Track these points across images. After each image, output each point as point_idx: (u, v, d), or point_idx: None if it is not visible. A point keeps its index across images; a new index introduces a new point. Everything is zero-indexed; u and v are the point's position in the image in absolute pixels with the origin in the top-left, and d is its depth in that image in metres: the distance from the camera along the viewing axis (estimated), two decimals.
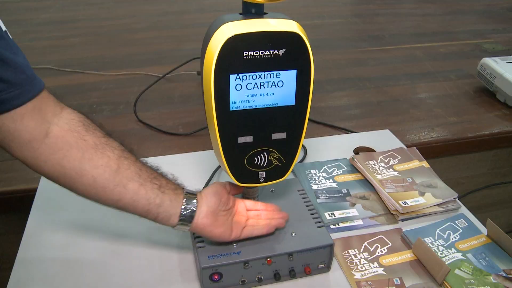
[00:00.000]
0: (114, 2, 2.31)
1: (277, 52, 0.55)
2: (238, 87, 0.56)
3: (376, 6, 2.36)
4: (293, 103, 0.59)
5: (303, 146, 0.97)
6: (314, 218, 0.72)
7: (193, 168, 0.93)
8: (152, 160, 0.93)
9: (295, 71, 0.57)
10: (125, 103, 1.27)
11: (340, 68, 1.54)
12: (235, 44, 0.53)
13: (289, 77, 0.57)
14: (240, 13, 0.58)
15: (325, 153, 0.99)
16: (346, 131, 1.13)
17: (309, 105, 0.60)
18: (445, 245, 0.75)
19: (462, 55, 1.70)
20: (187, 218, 0.62)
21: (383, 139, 1.05)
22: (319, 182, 0.89)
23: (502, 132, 1.21)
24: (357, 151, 0.99)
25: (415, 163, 0.94)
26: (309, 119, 0.62)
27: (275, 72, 0.56)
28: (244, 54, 0.54)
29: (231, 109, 0.57)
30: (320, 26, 1.99)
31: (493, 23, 2.10)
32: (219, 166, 0.92)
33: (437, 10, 2.30)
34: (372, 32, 1.93)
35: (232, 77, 0.55)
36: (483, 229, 0.80)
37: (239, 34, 0.53)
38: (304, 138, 0.65)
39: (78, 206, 0.82)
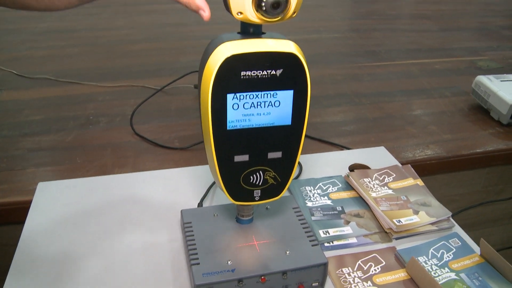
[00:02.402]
0: (113, 13, 2.33)
1: (274, 72, 0.56)
2: (235, 106, 0.56)
3: (373, 21, 2.38)
4: (289, 123, 0.60)
5: (298, 162, 0.97)
6: (308, 236, 0.72)
7: (189, 183, 0.93)
8: (148, 175, 0.95)
9: (292, 91, 0.58)
10: (122, 115, 1.27)
11: (336, 83, 1.55)
12: (232, 64, 0.54)
13: (286, 97, 0.58)
14: (238, 32, 0.59)
15: (320, 169, 1.00)
16: (342, 147, 1.14)
17: (305, 125, 0.61)
18: (439, 265, 0.76)
19: (458, 72, 1.72)
20: None
21: (378, 156, 1.05)
22: (314, 199, 0.89)
23: (496, 151, 1.22)
24: (352, 168, 0.99)
25: (410, 181, 0.95)
26: (305, 135, 0.63)
27: (272, 92, 0.57)
28: (242, 74, 0.55)
29: (227, 128, 0.58)
30: (317, 40, 2.00)
31: (488, 41, 2.12)
32: (215, 182, 0.92)
33: (433, 26, 2.32)
34: (368, 48, 1.94)
35: (230, 96, 0.56)
36: (477, 248, 0.80)
37: (237, 54, 0.53)
38: (300, 154, 0.65)
39: (73, 220, 0.82)
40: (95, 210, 0.84)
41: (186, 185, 0.92)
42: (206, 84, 0.55)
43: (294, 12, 0.54)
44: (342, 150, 1.13)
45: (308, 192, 0.91)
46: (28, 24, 2.10)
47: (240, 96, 0.56)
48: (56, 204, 0.86)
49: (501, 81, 1.38)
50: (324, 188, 0.93)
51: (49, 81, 1.52)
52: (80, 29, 2.08)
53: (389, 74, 1.65)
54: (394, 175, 0.96)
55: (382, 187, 0.92)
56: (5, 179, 1.02)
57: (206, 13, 0.57)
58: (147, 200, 0.87)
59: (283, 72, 0.56)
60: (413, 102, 1.44)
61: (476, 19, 2.51)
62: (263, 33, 0.58)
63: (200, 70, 0.57)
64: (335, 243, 0.79)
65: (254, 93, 0.56)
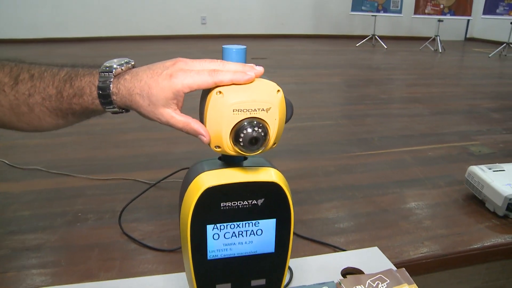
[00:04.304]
0: None
1: (255, 202, 0.55)
2: (216, 236, 0.55)
3: (365, 106, 2.43)
4: (273, 251, 0.58)
5: (289, 268, 0.94)
6: None
7: None
8: (133, 282, 0.91)
9: (275, 220, 0.56)
10: (111, 212, 1.25)
11: (328, 175, 1.54)
12: (212, 195, 0.53)
13: (268, 225, 0.56)
14: (219, 158, 0.58)
15: (312, 274, 0.96)
16: (335, 248, 1.11)
17: (289, 252, 0.59)
18: None
19: (450, 159, 1.72)
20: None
21: (371, 258, 1.02)
22: None
23: (494, 245, 1.19)
24: (344, 273, 0.96)
25: (405, 287, 0.91)
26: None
27: (253, 222, 0.56)
28: (222, 205, 0.53)
29: (208, 259, 0.56)
30: (310, 128, 2.02)
31: (478, 124, 2.15)
32: None
33: (424, 110, 2.36)
34: (361, 135, 1.96)
35: (210, 227, 0.54)
36: None
37: (216, 186, 0.53)
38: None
39: None
40: None
41: None
42: (185, 214, 0.54)
43: (274, 143, 0.53)
44: (335, 250, 1.10)
45: None
46: None
47: (220, 226, 0.55)
48: None
49: (494, 171, 1.38)
50: None
51: (40, 173, 1.51)
52: None
53: (382, 163, 1.65)
54: (388, 281, 0.93)
55: None
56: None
57: (206, 138, 0.54)
58: None
59: (265, 201, 0.55)
60: (407, 194, 1.42)
61: (465, 101, 2.56)
62: (245, 158, 0.58)
63: (180, 197, 0.56)
64: None
65: (235, 223, 0.55)
